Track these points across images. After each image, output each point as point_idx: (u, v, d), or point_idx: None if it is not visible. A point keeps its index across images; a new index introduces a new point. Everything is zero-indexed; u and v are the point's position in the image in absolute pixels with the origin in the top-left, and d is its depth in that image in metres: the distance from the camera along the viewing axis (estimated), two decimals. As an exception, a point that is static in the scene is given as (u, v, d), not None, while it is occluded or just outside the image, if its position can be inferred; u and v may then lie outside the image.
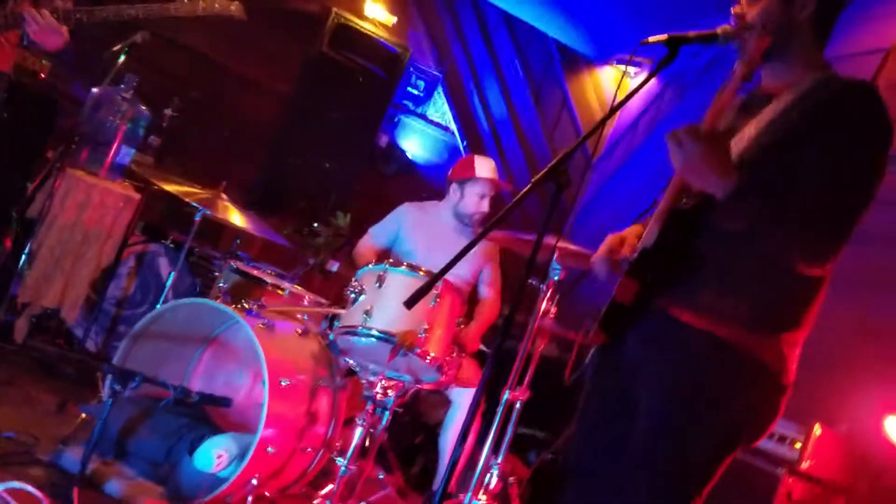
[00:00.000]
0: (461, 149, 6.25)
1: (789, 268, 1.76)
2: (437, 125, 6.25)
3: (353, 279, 3.05)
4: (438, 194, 4.14)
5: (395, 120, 6.14)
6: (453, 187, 3.84)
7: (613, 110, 2.17)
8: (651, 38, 1.97)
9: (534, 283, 3.16)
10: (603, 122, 2.10)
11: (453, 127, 6.26)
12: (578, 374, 2.17)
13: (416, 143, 6.21)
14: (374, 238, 3.95)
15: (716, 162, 1.70)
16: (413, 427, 4.30)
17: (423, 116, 6.21)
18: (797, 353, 1.85)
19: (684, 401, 1.81)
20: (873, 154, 1.75)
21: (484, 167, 3.82)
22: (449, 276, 3.27)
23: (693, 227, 1.83)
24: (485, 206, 3.79)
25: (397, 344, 2.80)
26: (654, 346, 1.88)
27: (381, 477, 3.37)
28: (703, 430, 1.80)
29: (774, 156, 1.78)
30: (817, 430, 2.97)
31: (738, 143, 1.85)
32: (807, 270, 1.76)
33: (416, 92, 6.16)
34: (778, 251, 1.75)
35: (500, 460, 2.99)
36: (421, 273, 2.96)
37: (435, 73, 6.20)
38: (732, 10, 1.94)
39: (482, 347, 3.65)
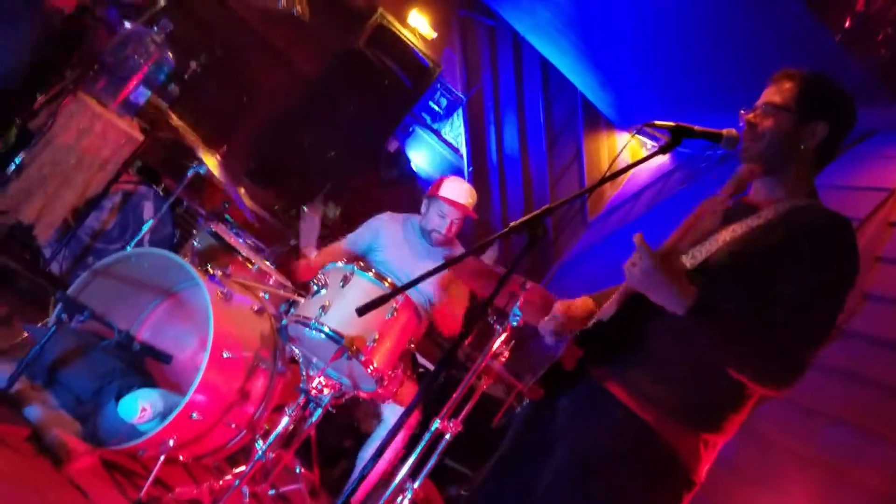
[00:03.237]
0: (465, 173, 6.30)
1: (725, 375, 1.80)
2: (449, 145, 6.31)
3: (321, 272, 3.08)
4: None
5: (410, 129, 6.19)
6: (424, 202, 3.88)
7: (604, 180, 2.22)
8: (658, 123, 2.02)
9: (493, 323, 3.19)
10: (593, 188, 2.17)
11: (464, 151, 6.32)
12: (506, 421, 2.22)
13: (423, 156, 6.26)
14: (347, 245, 3.94)
15: (673, 281, 1.73)
16: (345, 430, 4.31)
17: (437, 133, 6.26)
18: (713, 455, 1.90)
19: (592, 473, 1.85)
20: (841, 290, 1.81)
21: (451, 189, 3.79)
22: (416, 295, 3.32)
23: (648, 313, 1.87)
24: (444, 227, 3.76)
25: (344, 346, 2.82)
26: (581, 414, 1.93)
27: (298, 470, 3.37)
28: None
29: (742, 270, 1.83)
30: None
31: (711, 246, 1.90)
32: (742, 382, 1.80)
33: (436, 108, 6.22)
34: (721, 360, 1.80)
35: (416, 485, 3.01)
36: (386, 284, 3.00)
37: (460, 95, 6.26)
38: (745, 117, 1.99)
39: (426, 364, 3.66)
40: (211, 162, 3.56)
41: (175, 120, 3.85)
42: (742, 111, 2.01)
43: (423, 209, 3.86)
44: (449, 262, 2.11)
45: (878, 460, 3.36)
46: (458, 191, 3.80)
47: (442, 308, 3.74)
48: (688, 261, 1.89)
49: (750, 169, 1.93)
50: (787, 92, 1.94)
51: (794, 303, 1.75)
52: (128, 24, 4.31)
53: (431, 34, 6.01)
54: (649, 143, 5.84)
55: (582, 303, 2.14)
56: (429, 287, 3.79)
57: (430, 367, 4.07)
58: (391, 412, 3.48)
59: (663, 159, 5.95)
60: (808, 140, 1.93)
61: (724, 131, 1.95)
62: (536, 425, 2.03)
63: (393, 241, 3.88)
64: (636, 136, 5.97)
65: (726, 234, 1.90)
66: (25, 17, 3.50)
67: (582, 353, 1.93)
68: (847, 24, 3.46)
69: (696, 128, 1.94)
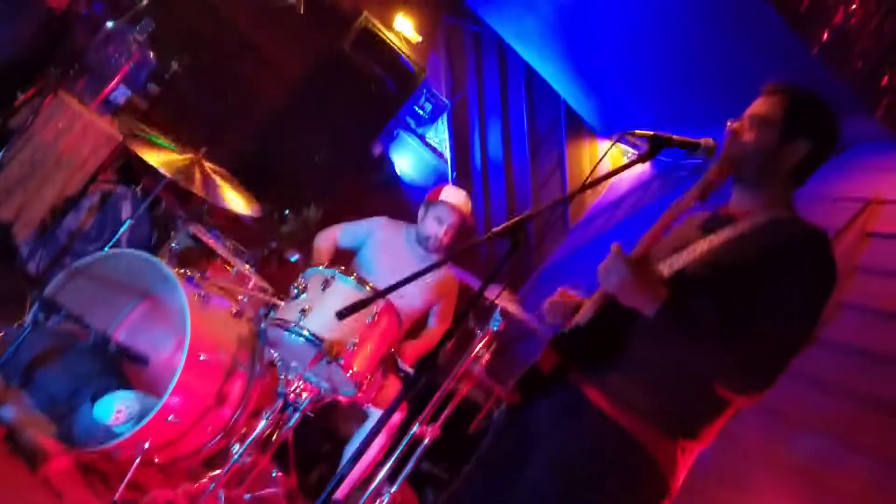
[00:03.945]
0: (449, 179, 6.32)
1: (704, 382, 1.82)
2: (433, 150, 6.32)
3: (301, 276, 3.07)
4: (414, 216, 4.18)
5: (394, 133, 6.20)
6: (421, 210, 3.90)
7: (585, 187, 2.23)
8: (637, 132, 2.03)
9: (474, 327, 3.20)
10: (573, 195, 2.18)
11: (448, 156, 6.34)
12: (484, 427, 2.22)
13: (407, 161, 6.27)
14: (342, 233, 3.97)
15: (645, 284, 1.75)
16: (323, 435, 4.29)
17: (421, 137, 6.28)
18: (689, 463, 1.91)
19: (571, 479, 1.85)
20: (819, 303, 1.82)
21: (451, 195, 3.86)
22: (399, 302, 3.32)
23: (625, 317, 1.87)
24: (441, 231, 3.78)
25: (323, 350, 2.81)
26: (558, 420, 1.93)
27: (274, 475, 3.35)
28: None
29: (718, 282, 1.83)
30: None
31: (688, 255, 1.91)
32: (721, 391, 1.82)
33: (421, 113, 6.23)
34: (698, 366, 1.82)
35: (393, 489, 3.01)
36: (367, 288, 2.99)
37: (445, 100, 6.28)
38: (731, 125, 1.99)
39: (407, 368, 3.66)
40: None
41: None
42: (729, 121, 2.02)
43: (420, 215, 3.87)
44: (431, 266, 2.10)
45: (855, 469, 3.39)
46: (457, 197, 3.86)
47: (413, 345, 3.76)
48: (665, 269, 1.90)
49: (718, 170, 1.92)
50: (775, 106, 1.94)
51: (772, 315, 1.76)
52: (110, 24, 4.29)
53: (417, 38, 6.02)
54: (630, 151, 5.88)
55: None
56: (415, 295, 3.79)
57: (411, 371, 4.07)
58: (375, 415, 3.48)
59: (643, 168, 5.99)
60: (790, 156, 1.94)
61: (702, 140, 1.96)
62: (514, 431, 2.02)
63: (384, 245, 3.88)
64: (617, 144, 6.00)
65: (703, 245, 1.91)
66: (19, 13, 3.48)
67: (558, 359, 1.94)
68: (825, 37, 3.51)
69: (674, 137, 1.95)
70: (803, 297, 1.80)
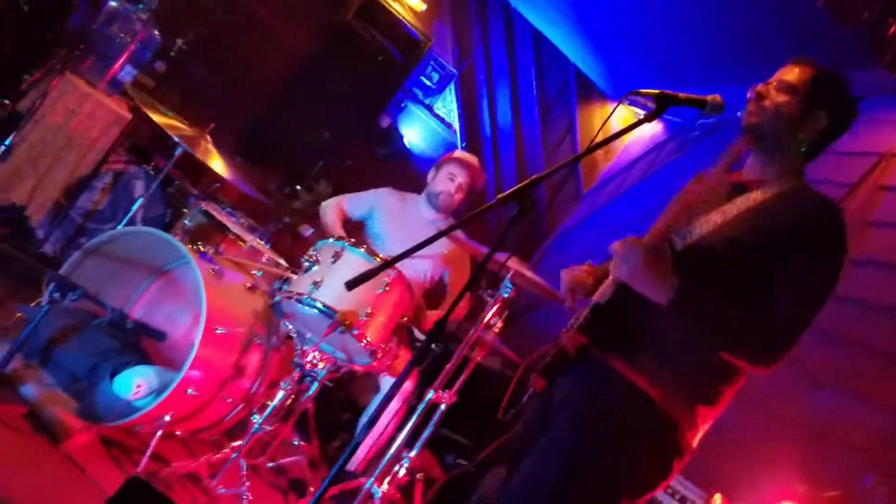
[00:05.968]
0: (459, 148, 6.28)
1: (719, 354, 1.87)
2: (442, 120, 6.27)
3: (312, 249, 3.10)
4: (424, 188, 4.18)
5: (402, 105, 6.15)
6: (432, 172, 3.94)
7: (591, 149, 2.22)
8: (643, 91, 2.03)
9: (485, 295, 3.22)
10: (578, 158, 2.17)
11: (457, 126, 6.29)
12: (514, 415, 2.26)
13: (416, 132, 6.23)
14: (347, 202, 4.01)
15: (656, 274, 1.80)
16: (344, 404, 4.35)
17: (429, 108, 6.23)
18: (705, 428, 1.95)
19: (589, 435, 1.89)
20: (832, 278, 1.86)
21: (462, 155, 3.96)
22: (409, 271, 3.34)
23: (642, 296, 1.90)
24: (453, 187, 3.84)
25: (337, 321, 2.84)
26: (580, 386, 1.97)
27: (296, 443, 3.41)
28: (594, 466, 1.88)
29: (731, 255, 1.86)
30: (717, 499, 3.06)
31: (703, 227, 1.93)
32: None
33: (428, 83, 6.17)
34: (714, 342, 1.86)
35: (412, 454, 3.05)
36: (377, 259, 3.01)
37: (452, 69, 6.21)
38: (757, 88, 2.01)
39: (418, 335, 3.70)
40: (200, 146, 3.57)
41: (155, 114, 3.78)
42: (754, 85, 2.02)
43: (430, 177, 3.93)
44: (440, 234, 2.11)
45: (862, 421, 3.40)
46: (469, 158, 3.96)
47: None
48: (679, 240, 1.92)
49: (743, 141, 1.95)
50: (803, 75, 1.98)
51: (786, 291, 1.81)
52: (113, 2, 4.28)
53: (421, 6, 5.95)
54: (641, 112, 5.82)
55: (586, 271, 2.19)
56: (426, 265, 3.81)
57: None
58: (388, 383, 3.52)
59: (656, 130, 5.94)
60: (808, 126, 1.97)
61: (709, 98, 1.95)
62: (537, 417, 2.07)
63: (390, 214, 3.91)
64: (627, 105, 5.94)
65: (716, 217, 1.93)
66: None
67: (582, 340, 1.96)
68: (830, -11, 3.45)
69: (681, 95, 1.95)
70: (818, 273, 1.84)
